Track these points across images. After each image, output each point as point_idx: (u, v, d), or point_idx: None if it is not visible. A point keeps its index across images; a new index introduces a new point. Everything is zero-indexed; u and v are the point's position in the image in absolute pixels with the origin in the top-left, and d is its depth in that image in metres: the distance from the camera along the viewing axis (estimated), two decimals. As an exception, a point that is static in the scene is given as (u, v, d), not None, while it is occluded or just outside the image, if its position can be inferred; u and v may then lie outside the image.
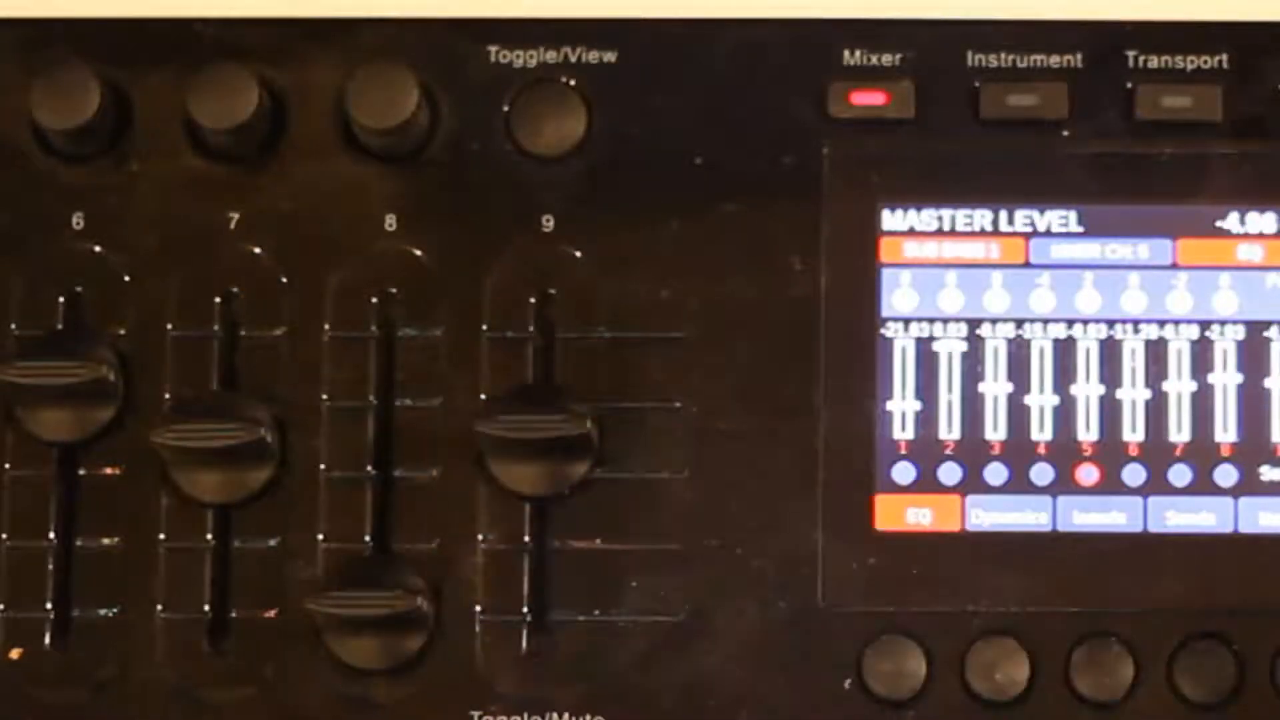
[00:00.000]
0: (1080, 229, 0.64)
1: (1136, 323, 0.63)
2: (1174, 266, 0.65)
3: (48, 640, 0.65)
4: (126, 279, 0.66)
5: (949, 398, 0.63)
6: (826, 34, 0.67)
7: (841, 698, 0.64)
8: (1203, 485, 0.62)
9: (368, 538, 0.65)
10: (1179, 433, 0.62)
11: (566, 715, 0.64)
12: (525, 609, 0.65)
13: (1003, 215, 0.64)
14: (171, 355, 0.66)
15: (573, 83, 0.66)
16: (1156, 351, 0.63)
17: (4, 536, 0.65)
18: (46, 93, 0.65)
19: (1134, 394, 0.63)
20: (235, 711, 0.65)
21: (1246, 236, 0.65)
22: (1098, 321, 0.63)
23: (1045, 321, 0.63)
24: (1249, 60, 0.66)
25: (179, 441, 0.64)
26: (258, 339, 0.66)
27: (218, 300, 0.66)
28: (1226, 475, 0.62)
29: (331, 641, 0.64)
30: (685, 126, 0.66)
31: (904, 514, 0.63)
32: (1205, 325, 0.64)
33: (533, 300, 0.66)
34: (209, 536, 0.65)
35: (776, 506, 0.64)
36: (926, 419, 0.63)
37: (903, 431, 0.63)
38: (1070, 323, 0.63)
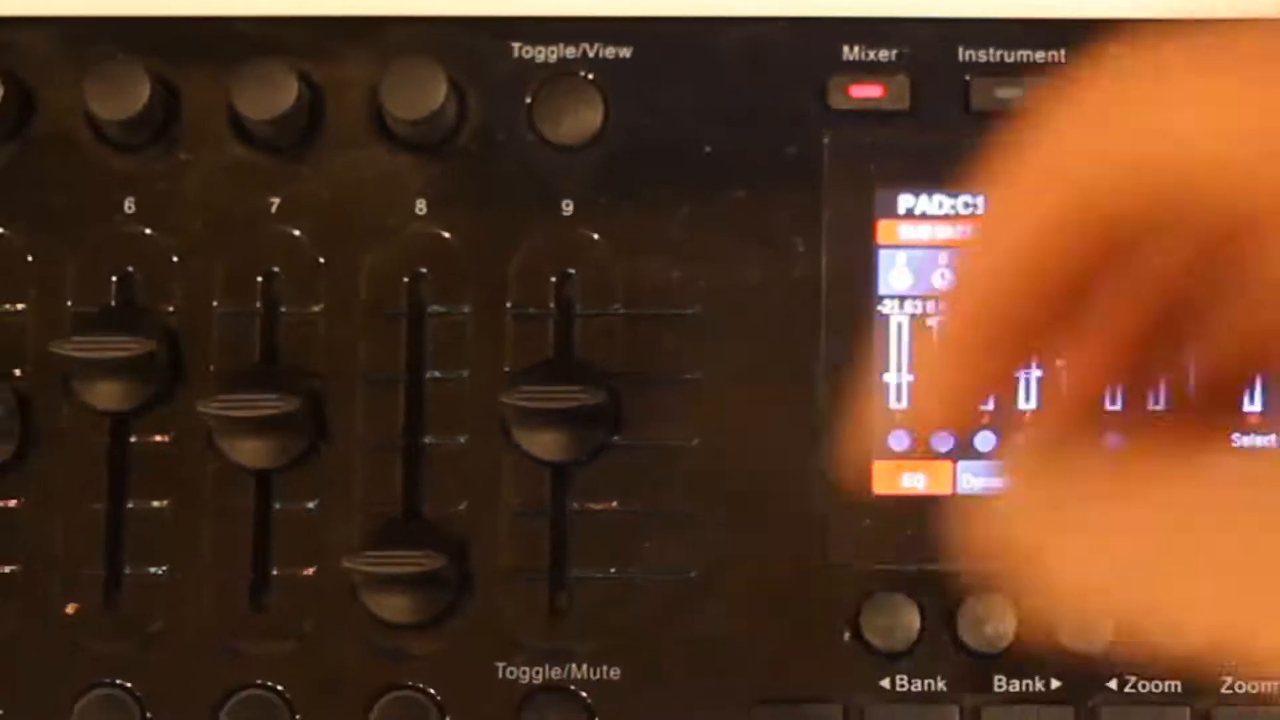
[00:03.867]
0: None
1: (1116, 300, 0.64)
2: (1151, 247, 0.66)
3: (101, 596, 0.65)
4: (174, 260, 0.66)
5: (942, 370, 0.64)
6: (827, 31, 0.66)
7: (840, 650, 0.64)
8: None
9: (400, 501, 0.65)
10: (1154, 402, 0.63)
11: (585, 666, 0.65)
12: (547, 567, 0.65)
13: (991, 200, 0.65)
14: (217, 330, 0.66)
15: (591, 77, 0.66)
16: (1136, 326, 0.64)
17: (62, 500, 0.65)
18: (100, 86, 0.64)
19: (1114, 367, 0.64)
20: (276, 663, 0.65)
21: (1221, 221, 0.66)
22: (1080, 298, 0.64)
23: (1031, 299, 0.64)
24: (1223, 56, 0.67)
25: (224, 411, 0.63)
26: (297, 315, 0.66)
27: (259, 279, 0.66)
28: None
29: (366, 598, 0.64)
30: (695, 117, 0.66)
31: (899, 479, 0.64)
32: (1182, 302, 0.66)
33: (553, 279, 0.66)
34: (252, 500, 0.65)
35: (781, 471, 0.64)
36: (920, 390, 0.64)
37: (898, 402, 0.64)
38: (1054, 299, 0.64)
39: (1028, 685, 0.64)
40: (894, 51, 0.66)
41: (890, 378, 0.64)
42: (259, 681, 0.65)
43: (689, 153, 0.66)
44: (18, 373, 0.66)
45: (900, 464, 0.64)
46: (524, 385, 0.64)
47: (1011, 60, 0.66)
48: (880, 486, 0.64)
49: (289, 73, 0.65)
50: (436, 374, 0.66)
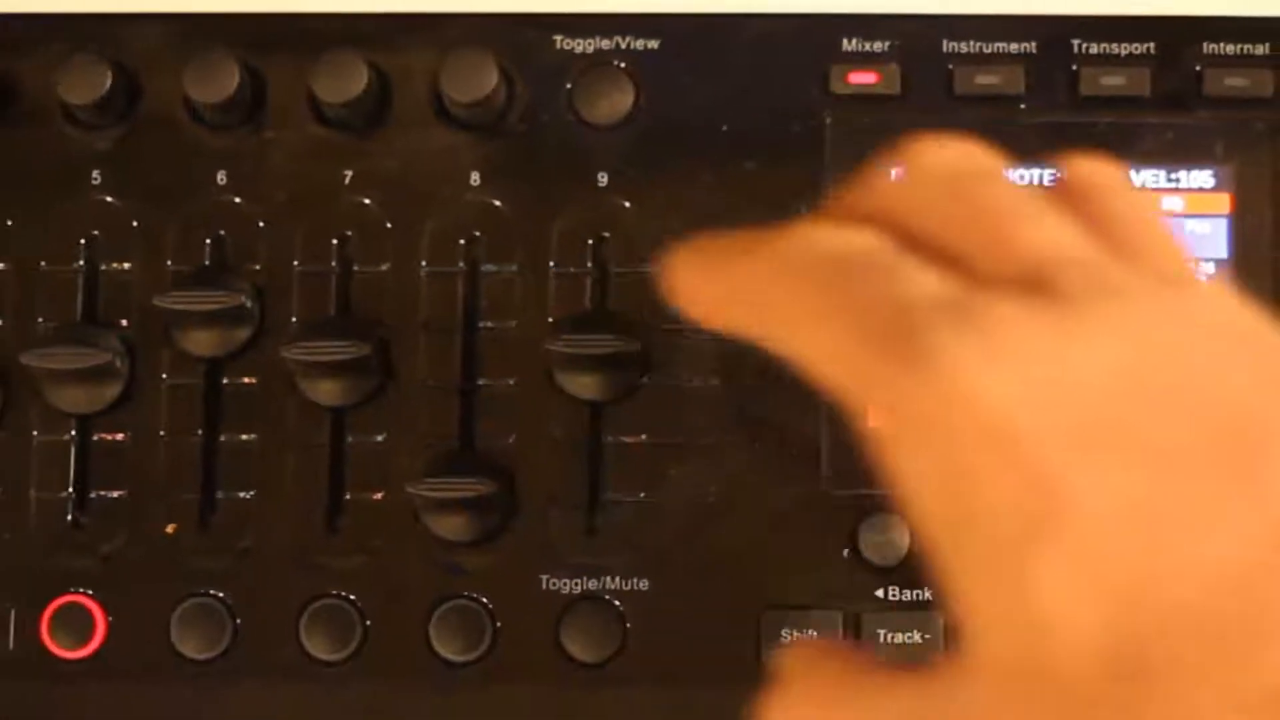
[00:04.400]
0: (1035, 184, 0.64)
1: (1081, 260, 0.65)
2: (1112, 215, 0.68)
3: (197, 518, 0.67)
4: (261, 225, 0.68)
5: (930, 320, 0.64)
6: (828, 26, 0.68)
7: (840, 563, 0.66)
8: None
9: (457, 434, 0.67)
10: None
11: (618, 578, 0.67)
12: (585, 492, 0.67)
13: (972, 173, 0.64)
14: (297, 286, 0.68)
15: (623, 65, 0.68)
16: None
17: (163, 434, 0.68)
18: (196, 74, 0.67)
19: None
20: (349, 576, 0.67)
21: (1169, 190, 0.67)
22: (1051, 259, 0.65)
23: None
24: (1172, 47, 0.68)
25: (304, 356, 0.66)
26: (367, 273, 0.68)
27: (334, 242, 0.68)
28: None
29: (427, 519, 0.66)
30: (714, 101, 0.68)
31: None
32: (1138, 261, 0.68)
33: (590, 242, 0.68)
34: (328, 434, 0.67)
35: (788, 408, 0.65)
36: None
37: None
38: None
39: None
40: (887, 43, 0.68)
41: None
42: (334, 592, 0.67)
43: (708, 131, 0.68)
44: (125, 323, 0.68)
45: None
46: (565, 334, 0.66)
47: (989, 51, 0.68)
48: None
49: (360, 62, 0.67)
50: (489, 324, 0.67)
